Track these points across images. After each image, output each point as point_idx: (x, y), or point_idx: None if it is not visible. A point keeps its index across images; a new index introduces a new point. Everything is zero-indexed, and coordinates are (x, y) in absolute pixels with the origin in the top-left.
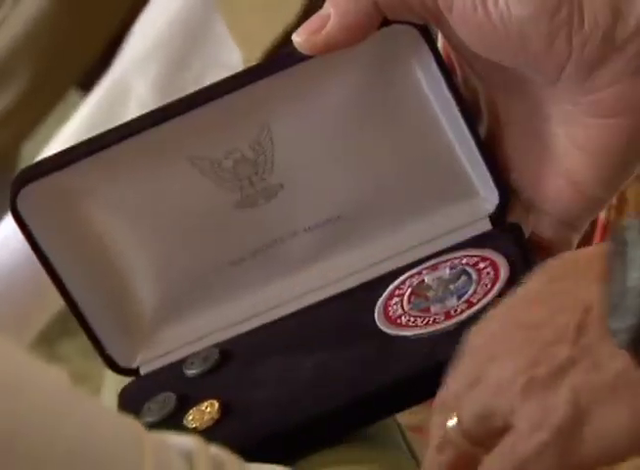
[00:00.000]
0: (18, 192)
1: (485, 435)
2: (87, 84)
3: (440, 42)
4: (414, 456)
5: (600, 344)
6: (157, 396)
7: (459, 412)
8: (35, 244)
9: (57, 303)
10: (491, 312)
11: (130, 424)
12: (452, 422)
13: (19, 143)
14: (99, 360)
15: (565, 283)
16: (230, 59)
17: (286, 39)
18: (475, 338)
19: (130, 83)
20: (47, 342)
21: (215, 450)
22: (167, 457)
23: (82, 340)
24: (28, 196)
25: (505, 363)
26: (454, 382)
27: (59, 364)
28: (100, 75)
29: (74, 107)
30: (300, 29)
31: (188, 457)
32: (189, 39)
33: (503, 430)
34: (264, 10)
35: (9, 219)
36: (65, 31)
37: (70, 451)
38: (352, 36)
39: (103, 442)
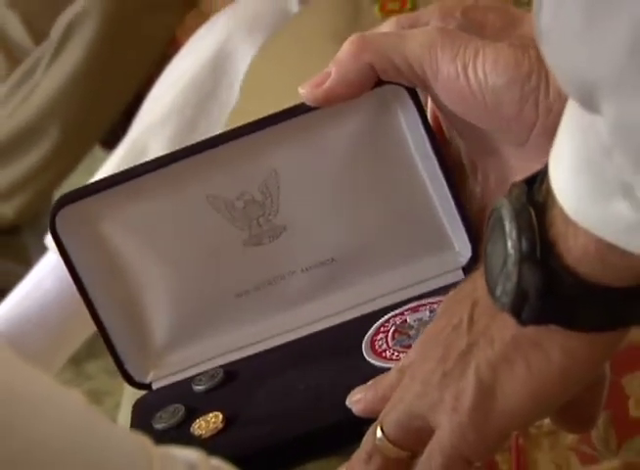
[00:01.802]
0: (56, 213)
1: (408, 439)
2: (109, 142)
3: (429, 104)
4: None
5: (491, 323)
6: (168, 406)
7: (382, 424)
8: (70, 264)
9: (83, 334)
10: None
11: (139, 438)
12: (378, 433)
13: (51, 191)
14: (120, 378)
15: (464, 292)
16: None
17: None
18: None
19: (147, 143)
20: (75, 362)
21: (217, 462)
22: (173, 467)
23: (106, 360)
24: (65, 216)
25: (420, 370)
26: (388, 404)
27: (85, 381)
28: (120, 134)
29: (99, 160)
30: (305, 83)
31: (192, 468)
32: (198, 105)
33: (424, 429)
34: None
35: (44, 262)
36: (90, 95)
37: (88, 462)
38: (349, 92)
39: (116, 453)
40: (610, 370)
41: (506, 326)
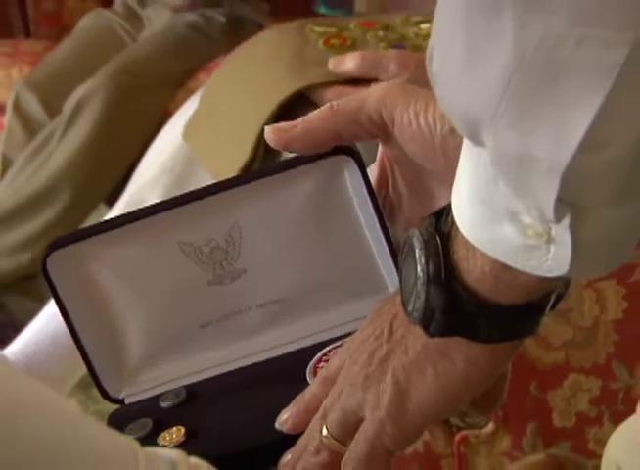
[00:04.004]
0: (47, 256)
1: (348, 434)
2: (112, 200)
3: (379, 153)
4: None
5: (406, 333)
6: (138, 420)
7: (326, 422)
8: (57, 297)
9: None
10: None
11: (127, 440)
12: (324, 431)
13: None
14: None
15: (386, 307)
16: (214, 178)
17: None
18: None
19: (144, 198)
20: (84, 387)
21: (195, 460)
22: (156, 464)
23: None
24: (55, 259)
25: (350, 373)
26: (327, 399)
27: (93, 404)
28: (121, 193)
29: (104, 216)
30: (274, 126)
31: (173, 465)
32: (186, 165)
33: (359, 424)
34: (228, 146)
35: (52, 302)
36: (96, 161)
37: (84, 457)
38: (306, 149)
39: (107, 451)
40: (537, 387)
41: (418, 337)
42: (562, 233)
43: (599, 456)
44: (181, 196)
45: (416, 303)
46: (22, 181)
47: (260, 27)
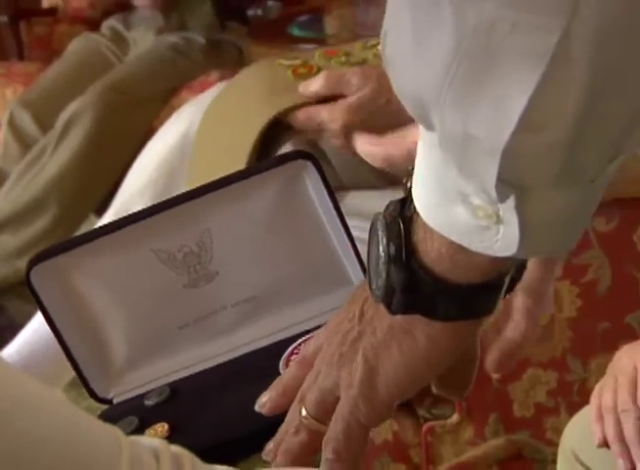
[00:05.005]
0: (31, 269)
1: (326, 413)
2: (101, 210)
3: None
4: None
5: (375, 315)
6: (124, 418)
7: (305, 403)
8: (43, 308)
9: None
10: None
11: (111, 428)
12: (303, 412)
13: None
14: None
15: (358, 292)
16: None
17: None
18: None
19: (130, 209)
20: (77, 386)
21: (175, 448)
22: (139, 452)
23: None
24: (38, 271)
25: (326, 354)
26: (305, 383)
27: (83, 400)
28: (109, 204)
29: (93, 226)
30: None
31: (155, 453)
32: (170, 177)
33: (335, 402)
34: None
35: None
36: (86, 174)
37: (75, 448)
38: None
39: (92, 438)
40: (498, 380)
41: (384, 317)
42: (509, 214)
43: (556, 444)
44: (153, 206)
45: (378, 281)
46: (18, 192)
47: (239, 49)
